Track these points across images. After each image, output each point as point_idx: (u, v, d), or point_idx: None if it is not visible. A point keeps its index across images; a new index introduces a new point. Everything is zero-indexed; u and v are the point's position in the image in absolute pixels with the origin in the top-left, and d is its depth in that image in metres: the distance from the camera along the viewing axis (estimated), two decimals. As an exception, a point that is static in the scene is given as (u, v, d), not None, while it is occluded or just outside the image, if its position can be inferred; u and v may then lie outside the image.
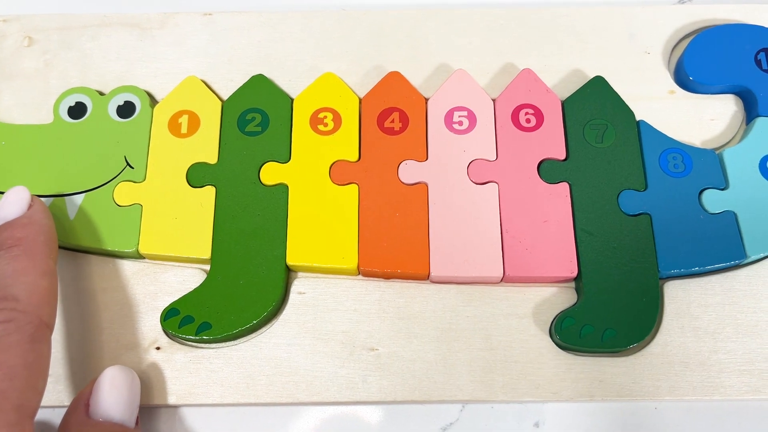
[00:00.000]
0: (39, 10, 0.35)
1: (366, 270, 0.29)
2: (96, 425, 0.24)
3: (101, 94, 0.32)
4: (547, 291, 0.29)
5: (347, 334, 0.28)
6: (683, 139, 0.31)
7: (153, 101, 0.32)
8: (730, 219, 0.29)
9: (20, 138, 0.31)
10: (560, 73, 0.33)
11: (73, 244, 0.29)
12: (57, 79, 0.33)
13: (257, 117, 0.31)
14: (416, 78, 0.32)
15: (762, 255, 0.29)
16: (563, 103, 0.31)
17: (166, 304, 0.28)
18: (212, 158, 0.30)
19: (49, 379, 0.24)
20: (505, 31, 0.33)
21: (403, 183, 0.30)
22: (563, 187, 0.30)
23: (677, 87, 0.32)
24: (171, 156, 0.31)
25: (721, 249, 0.29)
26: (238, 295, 0.28)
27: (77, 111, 0.31)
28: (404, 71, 0.32)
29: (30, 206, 0.27)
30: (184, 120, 0.31)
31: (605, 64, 0.33)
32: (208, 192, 0.30)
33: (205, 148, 0.31)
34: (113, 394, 0.25)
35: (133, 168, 0.30)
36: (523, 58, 0.33)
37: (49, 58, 0.33)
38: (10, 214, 0.26)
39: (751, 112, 0.32)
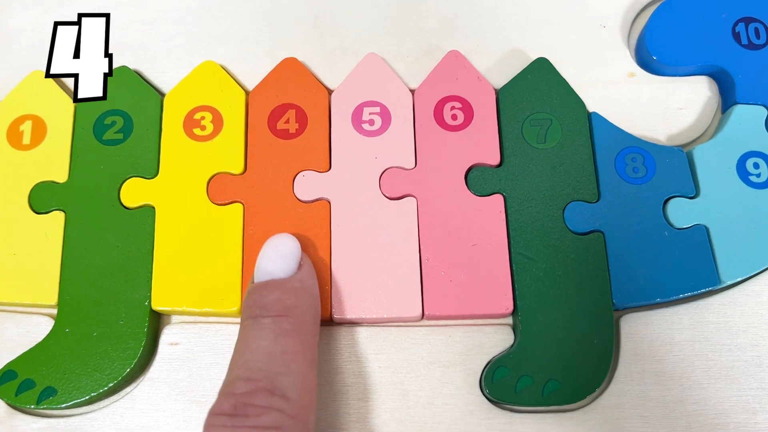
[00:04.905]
0: None
1: (252, 313, 0.24)
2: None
3: None
4: (478, 331, 0.25)
5: (230, 394, 0.24)
6: (645, 134, 0.28)
7: (-11, 103, 0.28)
8: (700, 235, 0.26)
9: None
10: (495, 55, 0.29)
11: None
12: None
13: (118, 121, 0.27)
14: (318, 65, 0.29)
15: (738, 279, 0.26)
16: (498, 93, 0.28)
17: (3, 364, 0.24)
18: (61, 175, 0.27)
19: None
20: (429, 3, 0.29)
21: (299, 200, 0.26)
22: (496, 201, 0.26)
23: (638, 68, 0.29)
24: (9, 174, 0.27)
25: (689, 273, 0.25)
26: (91, 350, 0.24)
27: None
28: (303, 57, 0.28)
29: (300, 265, 0.23)
30: (26, 127, 0.28)
31: (551, 42, 0.29)
32: (56, 219, 0.26)
33: (53, 162, 0.27)
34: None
35: (-41, 191, 0.26)
36: (449, 37, 0.29)
37: None
38: (278, 271, 0.23)
39: (727, 99, 0.29)
